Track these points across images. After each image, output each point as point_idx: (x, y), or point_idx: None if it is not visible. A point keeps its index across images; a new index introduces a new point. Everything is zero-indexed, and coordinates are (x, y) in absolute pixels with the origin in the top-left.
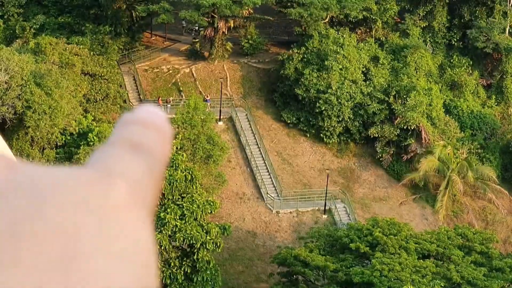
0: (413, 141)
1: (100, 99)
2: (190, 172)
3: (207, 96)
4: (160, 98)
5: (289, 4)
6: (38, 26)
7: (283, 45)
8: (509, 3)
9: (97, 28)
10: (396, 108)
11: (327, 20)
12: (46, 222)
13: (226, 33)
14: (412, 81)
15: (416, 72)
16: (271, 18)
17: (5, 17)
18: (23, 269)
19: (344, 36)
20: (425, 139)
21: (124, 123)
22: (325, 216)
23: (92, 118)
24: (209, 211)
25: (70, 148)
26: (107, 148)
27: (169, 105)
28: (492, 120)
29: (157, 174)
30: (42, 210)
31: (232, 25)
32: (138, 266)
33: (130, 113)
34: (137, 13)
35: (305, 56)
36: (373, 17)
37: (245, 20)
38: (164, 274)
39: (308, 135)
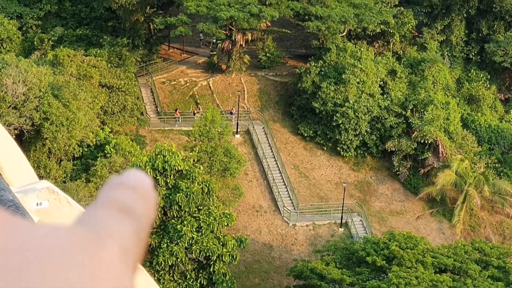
0: (430, 155)
1: (118, 111)
2: (207, 185)
3: (232, 109)
4: (177, 111)
5: (306, 17)
6: (56, 38)
7: (301, 58)
8: None
9: (115, 40)
10: (413, 122)
11: (344, 33)
12: (37, 284)
13: (243, 46)
14: (430, 95)
15: (434, 86)
16: (288, 31)
17: (24, 29)
18: None
19: (362, 49)
20: (442, 153)
21: (112, 186)
22: (341, 229)
23: (109, 130)
24: (226, 224)
25: (87, 160)
26: (96, 209)
27: (195, 117)
28: (510, 135)
29: (143, 236)
30: (33, 273)
31: (249, 38)
32: None
33: (118, 177)
34: (155, 25)
35: (323, 69)
36: (391, 31)
37: (262, 33)
38: (180, 286)
39: (325, 148)
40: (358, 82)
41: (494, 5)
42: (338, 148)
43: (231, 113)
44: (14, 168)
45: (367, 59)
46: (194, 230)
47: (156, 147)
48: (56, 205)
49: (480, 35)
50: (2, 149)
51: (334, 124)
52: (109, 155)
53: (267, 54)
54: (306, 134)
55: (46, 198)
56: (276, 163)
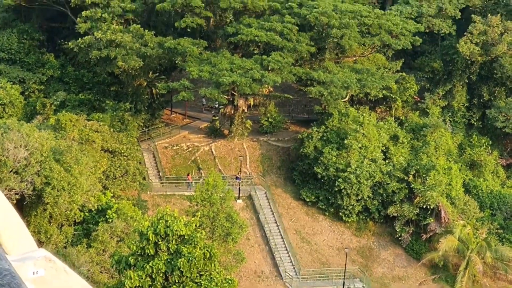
0: (432, 220)
1: (120, 175)
2: (209, 250)
3: (239, 174)
4: (189, 175)
5: (309, 82)
6: (58, 102)
7: (303, 124)
8: None
9: (118, 105)
10: (415, 187)
11: (347, 98)
12: None
13: (246, 111)
14: (432, 160)
15: (436, 151)
16: (290, 97)
17: (26, 93)
18: None
19: (364, 114)
20: (444, 218)
21: None
22: None
23: (111, 194)
24: None
25: (89, 225)
26: None
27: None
28: None
29: None
30: None
31: (252, 103)
32: None
33: None
34: (157, 90)
35: (325, 134)
36: (393, 96)
37: (265, 98)
38: None
39: (327, 213)
40: (360, 148)
41: (495, 71)
42: (340, 213)
43: (237, 178)
44: (13, 236)
45: (369, 124)
46: None
47: (158, 212)
48: (53, 273)
49: (481, 100)
50: (1, 218)
51: (336, 189)
52: (110, 220)
53: (269, 119)
54: (308, 199)
55: (43, 267)
56: (278, 228)
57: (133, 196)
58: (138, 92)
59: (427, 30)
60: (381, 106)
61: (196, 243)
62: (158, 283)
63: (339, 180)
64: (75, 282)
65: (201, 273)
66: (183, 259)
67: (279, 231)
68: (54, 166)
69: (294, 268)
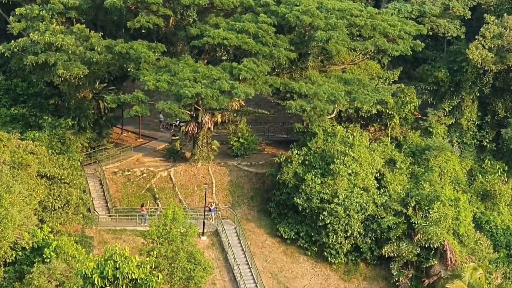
0: (436, 262)
1: (59, 207)
2: None
3: (211, 205)
4: (144, 206)
5: (288, 95)
6: None
7: (281, 145)
8: None
9: (57, 121)
10: (416, 222)
11: (334, 115)
12: None
13: (212, 129)
14: (436, 190)
15: (441, 179)
16: (266, 112)
17: None
18: None
19: (354, 134)
20: (451, 260)
21: None
22: None
23: (49, 230)
24: None
25: (22, 266)
26: None
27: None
28: None
29: None
30: None
31: (219, 120)
32: None
33: None
34: (105, 103)
35: (307, 158)
36: (389, 112)
37: (235, 114)
38: None
39: (309, 253)
40: (349, 174)
41: None
42: (325, 253)
43: (209, 209)
44: None
45: (360, 146)
46: None
47: (106, 251)
48: None
49: (495, 118)
50: None
51: (320, 224)
52: (48, 260)
53: (240, 140)
54: (286, 236)
55: None
56: (250, 271)
57: (76, 231)
58: (82, 106)
59: (431, 33)
60: (374, 124)
61: None
62: None
63: (324, 213)
64: None
65: None
66: None
67: (252, 274)
68: None
69: None
